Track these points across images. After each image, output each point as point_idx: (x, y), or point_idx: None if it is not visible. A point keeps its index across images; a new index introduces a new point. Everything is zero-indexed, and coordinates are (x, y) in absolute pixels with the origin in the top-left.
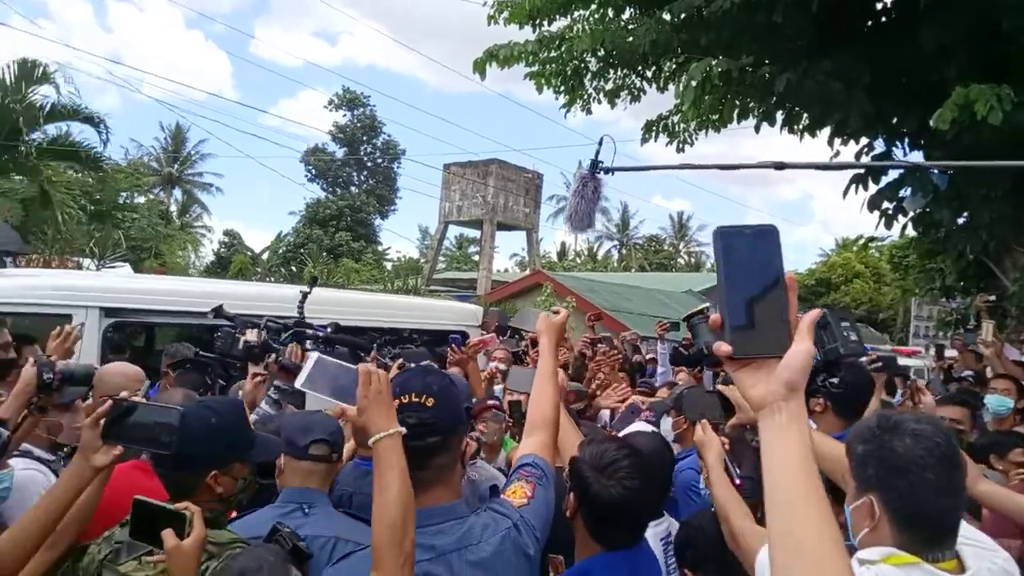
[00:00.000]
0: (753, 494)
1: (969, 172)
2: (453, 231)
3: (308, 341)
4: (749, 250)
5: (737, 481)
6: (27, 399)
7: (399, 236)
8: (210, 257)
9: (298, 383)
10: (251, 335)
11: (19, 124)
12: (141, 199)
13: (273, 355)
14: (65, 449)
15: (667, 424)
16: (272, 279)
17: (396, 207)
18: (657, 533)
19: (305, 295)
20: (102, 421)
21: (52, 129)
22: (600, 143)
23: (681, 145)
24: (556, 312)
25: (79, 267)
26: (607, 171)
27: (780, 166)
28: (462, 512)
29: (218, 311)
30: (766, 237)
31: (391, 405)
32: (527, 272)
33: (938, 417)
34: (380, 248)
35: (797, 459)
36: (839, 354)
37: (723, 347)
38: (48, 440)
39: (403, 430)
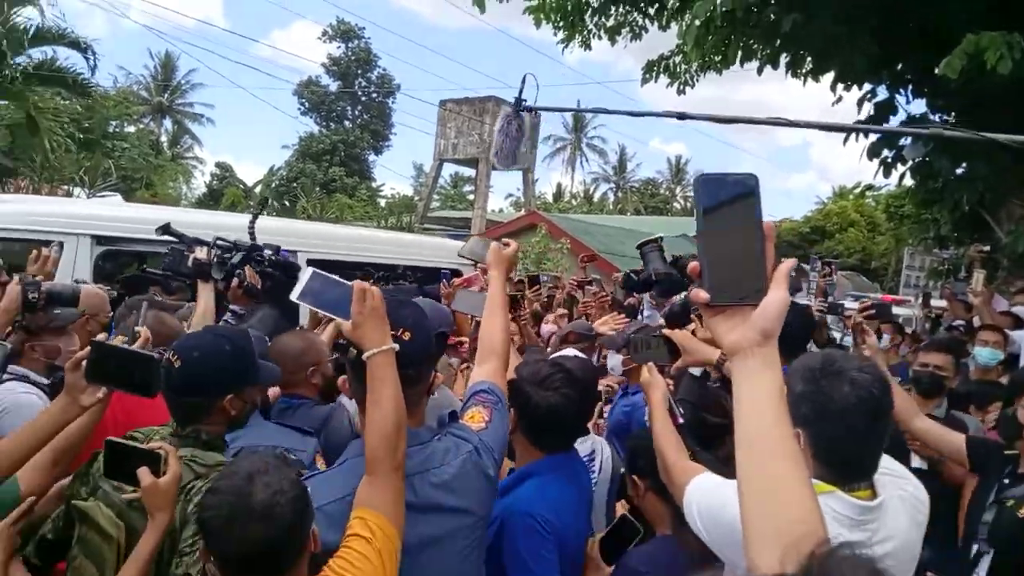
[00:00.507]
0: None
1: (972, 123)
2: (448, 169)
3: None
4: (729, 198)
5: (680, 420)
6: (11, 317)
7: (393, 173)
8: (202, 189)
9: (293, 296)
10: (201, 253)
11: (2, 46)
12: (131, 128)
13: (235, 279)
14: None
15: (616, 359)
16: (265, 213)
17: (390, 143)
18: (582, 451)
19: (255, 217)
20: (83, 363)
21: (37, 54)
22: (523, 81)
23: (682, 87)
24: (507, 244)
25: (69, 195)
26: (529, 109)
27: (682, 116)
28: (425, 437)
29: (166, 228)
30: (746, 185)
31: (385, 321)
32: (522, 212)
33: (876, 366)
34: (374, 184)
35: (769, 402)
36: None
37: (701, 294)
38: (44, 364)
39: (396, 347)
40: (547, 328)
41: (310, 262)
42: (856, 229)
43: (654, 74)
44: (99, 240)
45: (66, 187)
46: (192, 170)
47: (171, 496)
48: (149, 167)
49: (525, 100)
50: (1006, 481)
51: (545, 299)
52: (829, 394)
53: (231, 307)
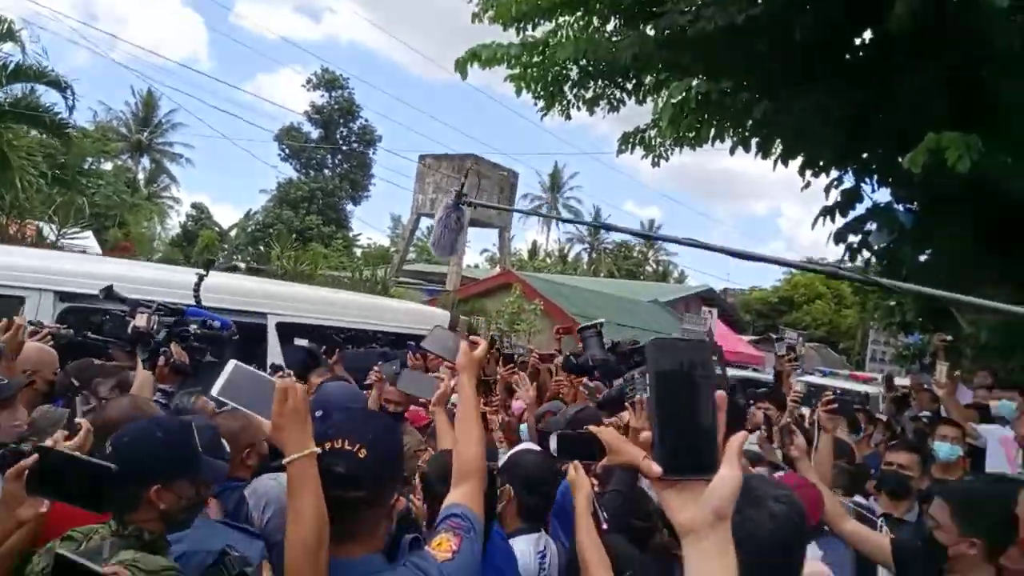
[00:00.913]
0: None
1: (936, 212)
2: (425, 222)
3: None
4: (682, 366)
5: (604, 526)
6: None
7: (370, 226)
8: (176, 230)
9: (214, 391)
10: (140, 320)
11: None
12: (108, 165)
13: (161, 356)
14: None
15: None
16: (239, 258)
17: (369, 194)
18: (535, 547)
19: (201, 278)
20: (25, 473)
21: (16, 89)
22: (466, 175)
23: (656, 159)
24: (475, 344)
25: (39, 233)
26: (469, 204)
27: (647, 237)
28: (379, 567)
29: (108, 292)
30: (700, 352)
31: (307, 423)
32: (497, 269)
33: (792, 495)
34: (351, 234)
35: None
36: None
37: (653, 467)
38: None
39: (317, 450)
40: (517, 405)
41: (279, 325)
42: (823, 301)
43: (630, 145)
44: (62, 296)
45: (36, 223)
46: (168, 210)
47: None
48: (124, 205)
49: (466, 195)
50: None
51: (530, 370)
52: (752, 521)
53: (159, 386)
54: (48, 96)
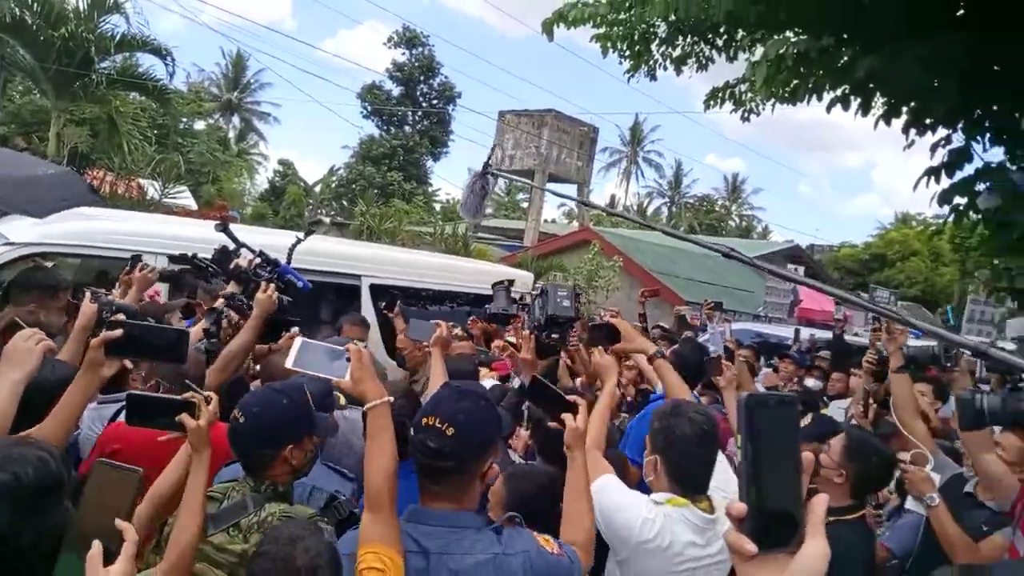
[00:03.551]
0: None
1: None
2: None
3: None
4: (773, 425)
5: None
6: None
7: (449, 182)
8: (264, 185)
9: (288, 364)
10: (243, 260)
11: (91, 53)
12: (201, 125)
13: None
14: None
15: None
16: (323, 212)
17: (448, 150)
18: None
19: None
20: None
21: (121, 58)
22: (492, 150)
23: (747, 115)
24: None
25: (141, 190)
26: (494, 175)
27: (727, 255)
28: (464, 522)
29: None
30: (787, 409)
31: (376, 377)
32: (574, 224)
33: (708, 410)
34: (431, 190)
35: None
36: (553, 315)
37: (746, 546)
38: None
39: (390, 399)
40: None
41: (372, 287)
42: (919, 258)
43: (718, 100)
44: (172, 259)
45: (140, 182)
46: (256, 166)
47: (209, 435)
48: (216, 162)
49: (491, 165)
50: None
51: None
52: (673, 428)
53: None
54: (144, 59)
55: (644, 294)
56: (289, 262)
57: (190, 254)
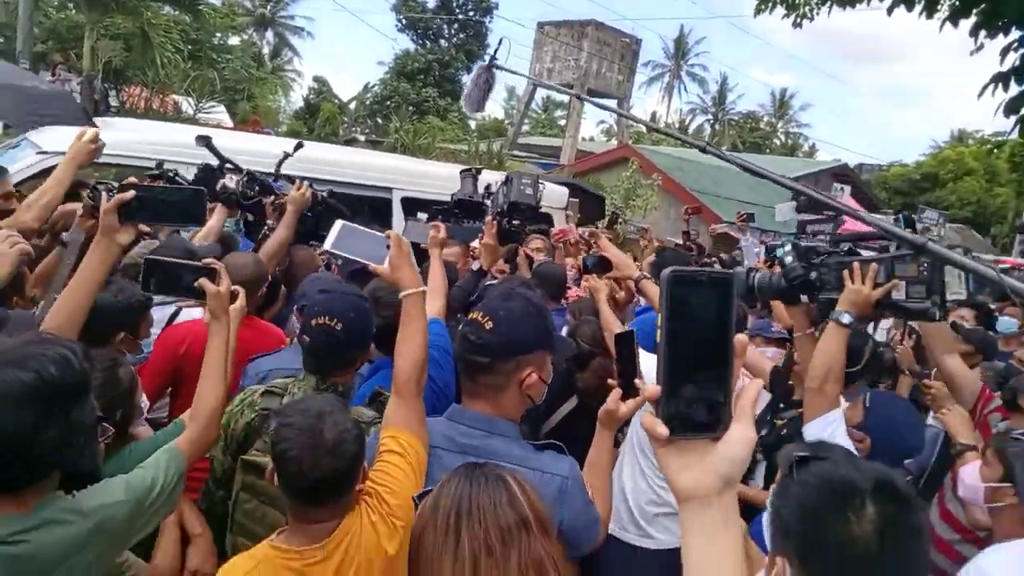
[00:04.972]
0: None
1: None
2: (540, 93)
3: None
4: (701, 305)
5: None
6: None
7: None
8: (299, 103)
9: (326, 246)
10: (231, 181)
11: None
12: (235, 40)
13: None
14: None
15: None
16: (358, 130)
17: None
18: None
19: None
20: (119, 205)
21: None
22: (500, 43)
23: (799, 20)
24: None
25: (176, 106)
26: (499, 68)
27: (703, 149)
28: (499, 430)
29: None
30: (722, 289)
31: (415, 265)
32: (613, 142)
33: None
34: None
35: (729, 569)
36: (515, 201)
37: (659, 428)
38: None
39: (426, 288)
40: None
41: (404, 200)
42: (973, 178)
43: (769, 5)
44: (151, 177)
45: (174, 98)
46: (291, 83)
47: (228, 301)
48: (251, 79)
49: (496, 59)
50: (781, 405)
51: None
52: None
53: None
54: None
55: (688, 211)
56: (277, 174)
57: (170, 172)
